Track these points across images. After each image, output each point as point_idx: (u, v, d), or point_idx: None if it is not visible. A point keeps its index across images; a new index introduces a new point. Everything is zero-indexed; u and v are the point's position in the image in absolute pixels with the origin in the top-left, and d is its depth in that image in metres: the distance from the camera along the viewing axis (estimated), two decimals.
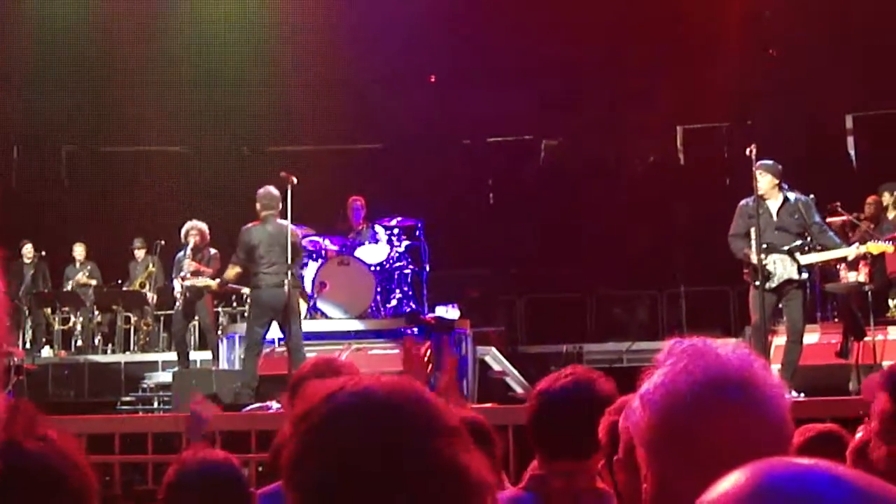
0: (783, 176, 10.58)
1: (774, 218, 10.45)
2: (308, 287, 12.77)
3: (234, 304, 16.46)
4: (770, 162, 10.52)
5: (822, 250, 10.57)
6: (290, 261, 11.43)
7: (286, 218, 11.57)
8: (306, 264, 12.92)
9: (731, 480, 1.21)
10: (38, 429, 1.74)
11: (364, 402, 1.51)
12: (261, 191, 11.77)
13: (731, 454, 1.64)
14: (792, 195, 10.54)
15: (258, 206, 11.66)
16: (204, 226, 13.56)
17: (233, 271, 12.28)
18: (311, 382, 3.84)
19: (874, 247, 10.76)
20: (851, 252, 10.74)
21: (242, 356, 12.13)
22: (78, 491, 1.73)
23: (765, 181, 10.42)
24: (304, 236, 13.00)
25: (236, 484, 3.31)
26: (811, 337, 11.91)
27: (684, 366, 1.80)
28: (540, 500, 3.39)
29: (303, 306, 12.57)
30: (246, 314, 13.05)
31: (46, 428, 1.76)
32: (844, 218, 13.11)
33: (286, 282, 11.37)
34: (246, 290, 13.32)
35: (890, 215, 13.24)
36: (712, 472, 1.25)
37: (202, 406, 5.00)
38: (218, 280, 12.86)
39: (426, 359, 11.55)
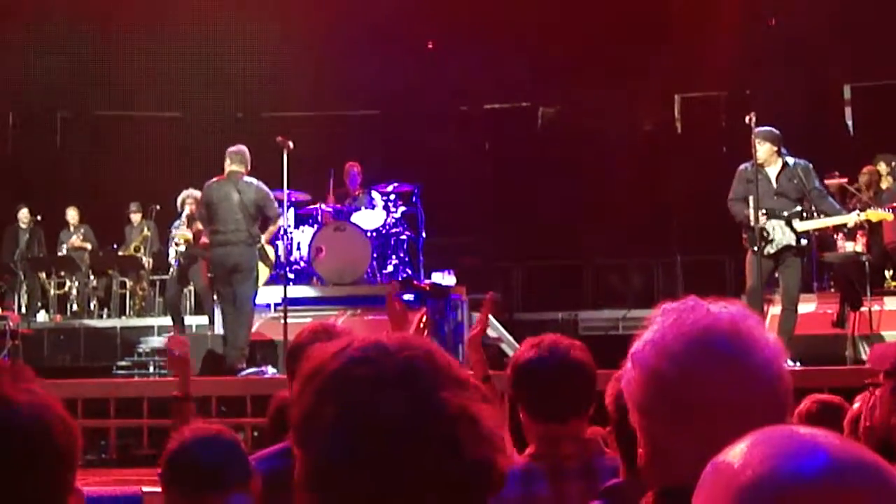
0: (782, 142, 10.54)
1: (774, 184, 10.41)
2: (304, 252, 12.75)
3: None
4: (768, 129, 10.47)
5: (821, 217, 10.54)
6: (251, 221, 11.27)
7: (282, 183, 11.51)
8: (289, 227, 12.73)
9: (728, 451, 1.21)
10: (23, 383, 1.74)
11: (375, 355, 1.51)
12: (232, 148, 11.52)
13: (724, 412, 1.62)
14: (791, 160, 10.48)
15: (227, 161, 11.40)
16: (199, 194, 13.51)
17: (197, 227, 12.11)
18: (314, 346, 3.82)
19: (874, 214, 10.70)
20: (851, 219, 10.67)
21: (222, 321, 11.98)
22: (63, 443, 1.73)
23: (763, 149, 10.38)
24: (300, 201, 12.96)
25: (238, 457, 3.29)
26: (808, 306, 11.92)
27: (673, 322, 1.77)
28: (550, 466, 3.39)
29: (264, 271, 12.39)
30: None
31: (31, 383, 1.76)
32: (842, 181, 13.11)
33: (241, 241, 11.18)
34: None
35: (884, 185, 13.23)
36: (705, 430, 1.23)
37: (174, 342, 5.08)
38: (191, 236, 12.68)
39: (421, 323, 11.56)
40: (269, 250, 12.62)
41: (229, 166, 11.39)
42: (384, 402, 1.46)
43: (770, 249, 10.28)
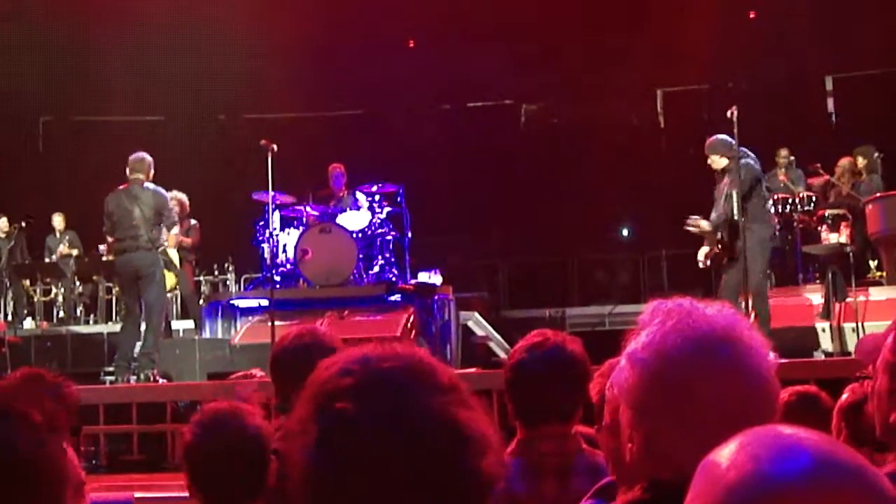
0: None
1: (723, 188, 10.59)
2: (290, 255, 12.74)
3: (216, 272, 16.41)
4: (723, 139, 10.50)
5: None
6: (150, 225, 11.17)
7: (266, 186, 11.50)
8: (263, 228, 12.69)
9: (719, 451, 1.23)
10: (12, 409, 1.71)
11: (356, 367, 1.53)
12: (133, 155, 11.39)
13: (719, 412, 1.66)
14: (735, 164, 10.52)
15: (128, 169, 11.28)
16: (184, 196, 13.51)
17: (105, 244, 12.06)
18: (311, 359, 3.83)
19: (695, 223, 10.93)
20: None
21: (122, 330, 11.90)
22: (45, 477, 1.69)
23: (723, 162, 10.49)
24: (284, 203, 12.95)
25: (258, 444, 3.25)
26: (793, 298, 11.98)
27: (673, 324, 1.81)
28: (528, 464, 3.40)
29: (170, 277, 12.40)
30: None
31: (26, 407, 1.72)
32: (826, 178, 13.21)
33: (140, 246, 11.09)
34: None
35: (863, 178, 13.31)
36: (702, 431, 1.26)
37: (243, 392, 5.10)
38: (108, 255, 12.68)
39: (408, 323, 11.56)
40: (174, 255, 12.79)
41: (131, 175, 11.26)
42: (362, 413, 1.47)
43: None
